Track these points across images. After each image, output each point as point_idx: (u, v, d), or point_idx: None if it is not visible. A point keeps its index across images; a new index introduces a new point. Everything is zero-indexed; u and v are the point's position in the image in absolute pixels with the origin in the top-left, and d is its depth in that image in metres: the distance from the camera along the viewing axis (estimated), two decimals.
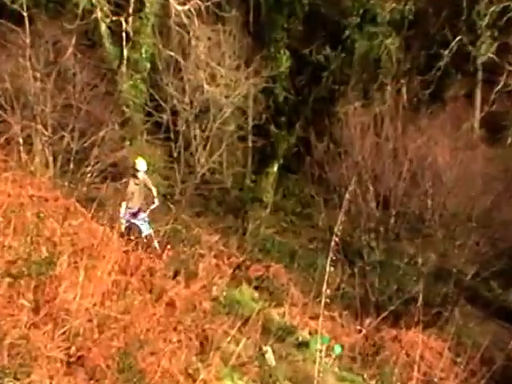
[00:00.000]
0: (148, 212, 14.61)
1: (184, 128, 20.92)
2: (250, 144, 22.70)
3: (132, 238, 12.98)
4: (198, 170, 19.85)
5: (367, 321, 15.93)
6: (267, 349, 12.31)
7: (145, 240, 13.92)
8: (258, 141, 22.68)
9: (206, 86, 20.50)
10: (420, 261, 19.11)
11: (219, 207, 20.22)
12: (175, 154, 20.18)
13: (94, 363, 8.88)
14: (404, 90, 24.17)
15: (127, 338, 9.76)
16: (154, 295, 11.50)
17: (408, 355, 14.56)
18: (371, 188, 19.85)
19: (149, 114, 21.64)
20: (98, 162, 18.09)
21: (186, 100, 20.69)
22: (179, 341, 10.62)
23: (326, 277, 6.77)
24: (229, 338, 11.52)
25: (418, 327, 14.71)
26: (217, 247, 16.43)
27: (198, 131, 21.08)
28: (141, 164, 14.53)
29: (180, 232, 15.49)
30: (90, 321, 9.74)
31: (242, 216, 19.90)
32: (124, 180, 16.85)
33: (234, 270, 15.85)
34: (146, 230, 14.32)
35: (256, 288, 15.58)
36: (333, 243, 6.94)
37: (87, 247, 10.89)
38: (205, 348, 11.17)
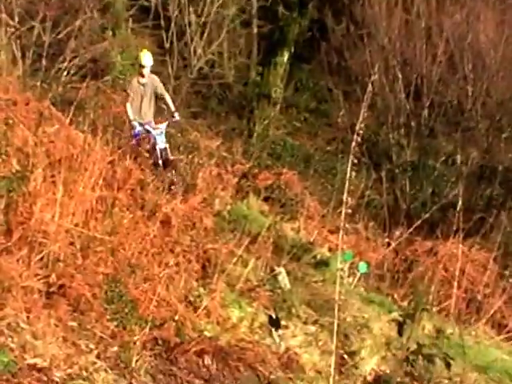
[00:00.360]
0: (166, 124, 14.28)
1: (176, 13, 20.60)
2: (255, 30, 22.35)
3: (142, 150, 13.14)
4: (195, 63, 19.62)
5: (397, 232, 15.98)
6: (280, 270, 12.41)
7: (159, 155, 13.75)
8: (265, 26, 22.32)
9: None
10: (459, 159, 19.04)
11: (220, 106, 20.07)
12: (167, 45, 19.90)
13: (77, 293, 9.01)
14: None
15: (116, 263, 9.88)
16: (146, 212, 11.57)
17: (446, 270, 14.67)
18: (400, 76, 19.62)
19: None
20: (75, 57, 17.87)
21: None
22: (177, 264, 10.75)
23: (347, 183, 6.70)
24: (235, 259, 11.65)
25: (458, 237, 14.72)
26: (218, 154, 16.40)
27: (193, 16, 20.74)
28: (146, 58, 14.13)
29: (175, 137, 15.43)
30: (72, 244, 9.85)
31: (247, 116, 19.77)
32: (106, 78, 16.73)
33: (240, 180, 15.88)
34: (162, 142, 13.93)
35: (265, 200, 15.64)
36: (354, 143, 6.84)
37: (65, 158, 10.91)
38: (207, 271, 11.31)
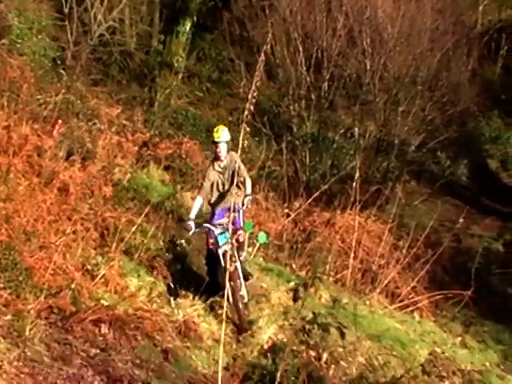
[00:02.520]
0: (241, 212, 11.35)
1: None
2: None
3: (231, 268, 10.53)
4: (95, 29, 19.17)
5: (296, 203, 16.12)
6: (181, 241, 12.35)
7: (222, 261, 10.79)
8: None
9: None
10: (357, 132, 19.26)
11: (121, 74, 19.73)
12: (66, 10, 19.39)
13: None
14: None
15: (11, 230, 9.65)
16: (43, 179, 11.34)
17: (343, 241, 14.87)
18: (301, 49, 19.66)
19: None
20: None
21: None
22: (74, 232, 10.59)
23: (239, 151, 6.75)
24: (134, 228, 11.52)
25: (355, 209, 14.91)
26: (119, 122, 16.18)
27: None
28: (221, 134, 11.19)
29: (74, 104, 15.11)
30: None
31: (148, 84, 19.49)
32: (3, 41, 16.22)
33: (140, 149, 15.70)
34: (224, 245, 10.95)
35: (166, 169, 15.52)
36: (246, 112, 6.81)
37: None
38: (106, 240, 11.19)
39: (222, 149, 11.20)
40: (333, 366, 10.16)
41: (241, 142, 6.80)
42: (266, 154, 16.95)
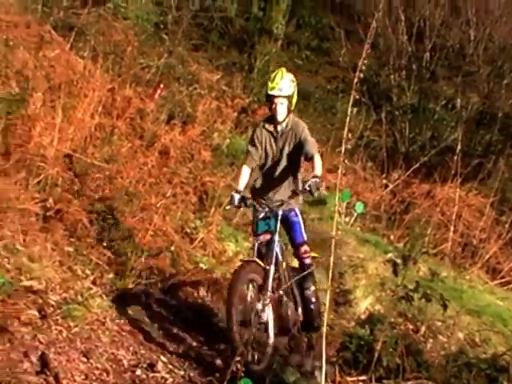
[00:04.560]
0: (299, 205, 8.40)
1: None
2: None
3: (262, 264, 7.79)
4: None
5: (395, 174, 15.89)
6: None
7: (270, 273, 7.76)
8: None
9: None
10: (459, 104, 18.86)
11: (221, 40, 19.71)
12: None
13: (74, 218, 8.95)
14: None
15: (113, 191, 9.78)
16: (145, 142, 11.45)
17: (443, 214, 14.60)
18: (403, 17, 19.32)
19: None
20: None
21: None
22: (174, 195, 10.68)
23: (347, 122, 6.56)
24: None
25: (456, 181, 14.64)
26: (218, 87, 16.18)
27: None
28: (283, 83, 7.97)
29: (175, 68, 15.20)
30: (70, 169, 9.76)
31: (248, 51, 19.45)
32: (108, 5, 16.36)
33: (239, 114, 15.69)
34: (263, 227, 8.16)
35: None
36: (356, 80, 6.67)
37: (65, 83, 10.75)
38: (204, 204, 11.24)
39: (280, 107, 7.96)
40: (431, 339, 10.03)
41: (349, 112, 6.66)
42: (364, 123, 16.70)
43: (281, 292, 7.88)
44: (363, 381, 7.86)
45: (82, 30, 13.43)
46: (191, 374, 7.59)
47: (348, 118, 6.64)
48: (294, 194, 8.05)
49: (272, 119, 8.08)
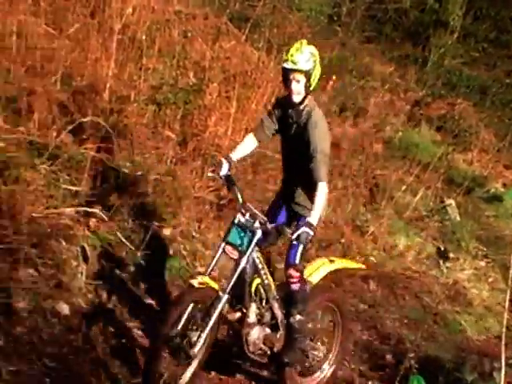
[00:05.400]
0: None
1: None
2: None
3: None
4: None
5: None
6: (450, 201, 12.12)
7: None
8: None
9: None
10: None
11: (395, 32, 19.47)
12: None
13: None
14: None
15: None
16: None
17: None
18: None
19: None
20: None
21: None
22: (345, 187, 10.66)
23: None
24: (404, 187, 11.45)
25: None
26: (391, 79, 16.02)
27: None
28: (300, 57, 6.37)
29: (347, 60, 15.16)
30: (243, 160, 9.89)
31: (422, 43, 19.16)
32: None
33: (412, 107, 15.49)
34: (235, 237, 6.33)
35: (438, 129, 15.17)
36: None
37: (240, 74, 10.90)
38: (375, 197, 11.18)
39: (296, 85, 6.33)
40: None
41: None
42: None
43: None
44: None
45: (257, 21, 13.58)
46: (361, 368, 7.56)
47: None
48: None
49: (287, 100, 6.51)
